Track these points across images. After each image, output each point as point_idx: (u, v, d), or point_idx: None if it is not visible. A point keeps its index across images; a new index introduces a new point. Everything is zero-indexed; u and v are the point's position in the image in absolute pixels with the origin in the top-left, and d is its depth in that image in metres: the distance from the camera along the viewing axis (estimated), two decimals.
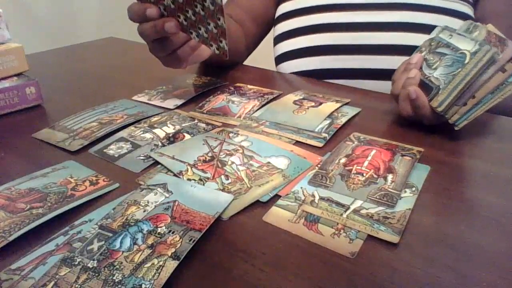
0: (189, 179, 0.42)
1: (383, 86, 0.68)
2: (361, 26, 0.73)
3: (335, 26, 0.74)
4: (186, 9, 0.48)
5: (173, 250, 0.32)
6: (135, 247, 0.32)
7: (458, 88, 0.48)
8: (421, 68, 0.53)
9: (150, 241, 0.33)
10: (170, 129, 0.53)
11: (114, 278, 0.29)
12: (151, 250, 0.32)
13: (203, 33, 0.49)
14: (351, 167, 0.44)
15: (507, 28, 0.52)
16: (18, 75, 0.61)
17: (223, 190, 0.40)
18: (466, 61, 0.48)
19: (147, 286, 0.29)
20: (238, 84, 0.69)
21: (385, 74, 0.61)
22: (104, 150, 0.48)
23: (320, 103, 0.60)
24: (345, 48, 0.73)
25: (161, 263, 0.31)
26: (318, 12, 0.75)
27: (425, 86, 0.51)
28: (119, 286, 0.29)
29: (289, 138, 0.51)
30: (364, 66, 0.73)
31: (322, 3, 0.75)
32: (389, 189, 0.40)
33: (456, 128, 0.50)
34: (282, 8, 0.80)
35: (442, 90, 0.49)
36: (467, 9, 0.72)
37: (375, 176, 0.42)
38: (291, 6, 0.79)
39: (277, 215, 0.37)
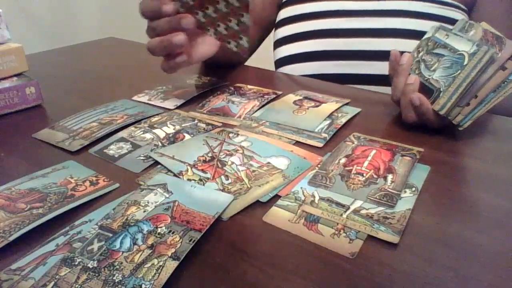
0: (189, 179, 0.42)
1: (380, 91, 0.68)
2: (356, 32, 0.74)
3: (331, 32, 0.75)
4: (206, 6, 0.47)
5: (173, 250, 0.32)
6: (135, 247, 0.32)
7: (459, 90, 0.48)
8: (419, 69, 0.53)
9: (150, 241, 0.33)
10: (170, 129, 0.53)
11: (114, 278, 0.29)
12: (151, 250, 0.32)
13: (222, 30, 0.48)
14: (351, 167, 0.44)
15: (506, 29, 0.52)
16: (18, 75, 0.61)
17: (223, 190, 0.40)
18: (465, 63, 0.48)
19: (147, 286, 0.29)
20: (238, 84, 0.69)
21: (381, 80, 0.61)
22: (104, 150, 0.48)
23: (320, 103, 0.60)
24: (341, 54, 0.75)
25: (161, 263, 0.31)
26: (316, 19, 0.76)
27: (425, 88, 0.51)
28: (119, 286, 0.29)
29: (289, 138, 0.51)
30: (360, 72, 0.74)
31: (319, 10, 0.77)
32: (389, 189, 0.40)
33: (460, 129, 0.50)
34: (283, 13, 0.81)
35: (443, 93, 0.49)
36: (461, 16, 0.72)
37: (375, 176, 0.42)
38: (291, 11, 0.80)
39: (277, 215, 0.37)
